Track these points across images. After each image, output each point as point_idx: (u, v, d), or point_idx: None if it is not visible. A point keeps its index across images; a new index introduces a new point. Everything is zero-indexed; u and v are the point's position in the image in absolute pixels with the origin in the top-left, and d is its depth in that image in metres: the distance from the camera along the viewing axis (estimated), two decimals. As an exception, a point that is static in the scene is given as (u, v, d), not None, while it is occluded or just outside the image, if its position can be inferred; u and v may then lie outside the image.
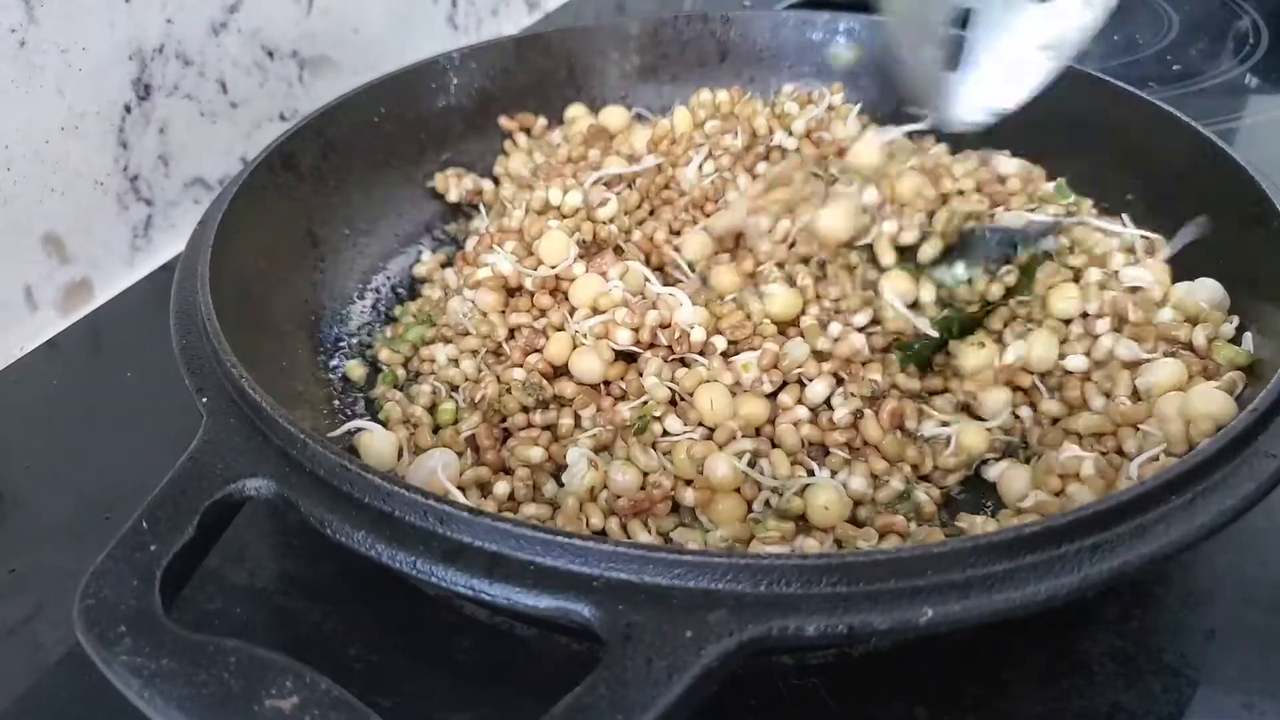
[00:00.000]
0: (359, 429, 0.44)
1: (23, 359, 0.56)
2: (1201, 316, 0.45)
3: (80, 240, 0.59)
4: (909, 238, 0.44)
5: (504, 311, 0.50)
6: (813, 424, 0.45)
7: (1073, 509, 0.32)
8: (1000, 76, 0.37)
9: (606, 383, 0.47)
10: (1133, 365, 0.44)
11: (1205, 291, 0.46)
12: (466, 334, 0.51)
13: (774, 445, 0.44)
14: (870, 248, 0.45)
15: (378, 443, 0.43)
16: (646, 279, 0.49)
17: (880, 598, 0.29)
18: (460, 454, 0.44)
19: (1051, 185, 0.51)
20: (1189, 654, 0.38)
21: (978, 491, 0.45)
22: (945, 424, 0.44)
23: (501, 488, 0.42)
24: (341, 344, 0.53)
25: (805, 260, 0.48)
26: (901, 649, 0.38)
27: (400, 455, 0.44)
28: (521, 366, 0.47)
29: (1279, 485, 0.34)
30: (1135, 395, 0.44)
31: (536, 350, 0.48)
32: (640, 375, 0.46)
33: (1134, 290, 0.46)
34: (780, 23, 0.68)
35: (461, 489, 0.42)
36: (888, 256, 0.44)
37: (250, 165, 0.51)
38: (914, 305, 0.45)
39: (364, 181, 0.59)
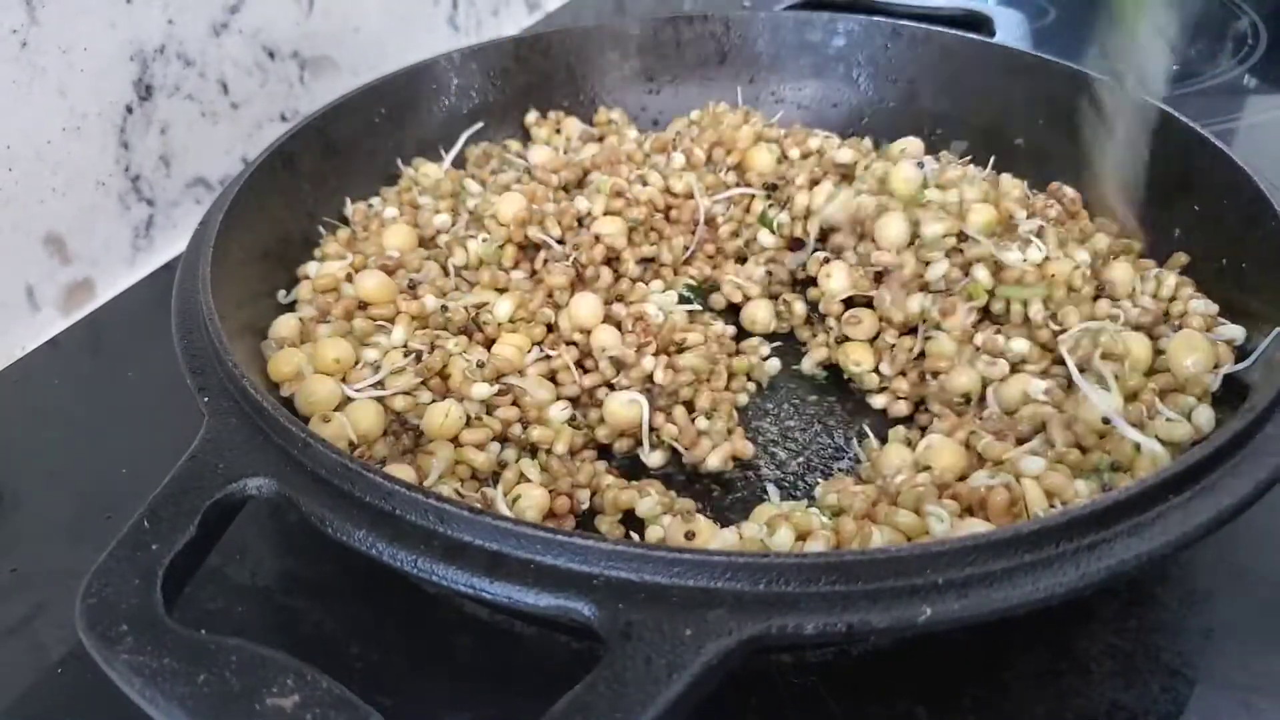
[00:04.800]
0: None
1: (24, 358, 0.56)
2: None
3: (82, 240, 0.59)
4: None
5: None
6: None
7: (1071, 508, 0.32)
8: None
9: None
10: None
11: None
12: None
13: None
14: None
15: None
16: None
17: (879, 596, 0.29)
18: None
19: None
20: (1187, 653, 0.38)
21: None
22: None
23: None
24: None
25: None
26: (901, 648, 0.38)
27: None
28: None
29: (1276, 484, 0.34)
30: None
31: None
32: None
33: None
34: (780, 24, 0.68)
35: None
36: None
37: (251, 165, 0.51)
38: None
39: (365, 182, 0.59)
